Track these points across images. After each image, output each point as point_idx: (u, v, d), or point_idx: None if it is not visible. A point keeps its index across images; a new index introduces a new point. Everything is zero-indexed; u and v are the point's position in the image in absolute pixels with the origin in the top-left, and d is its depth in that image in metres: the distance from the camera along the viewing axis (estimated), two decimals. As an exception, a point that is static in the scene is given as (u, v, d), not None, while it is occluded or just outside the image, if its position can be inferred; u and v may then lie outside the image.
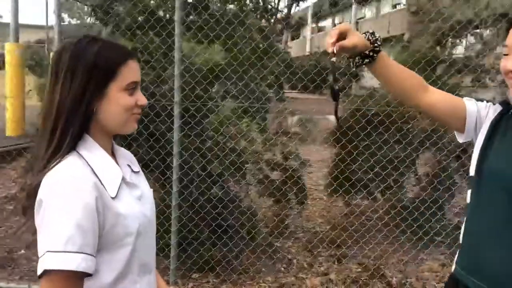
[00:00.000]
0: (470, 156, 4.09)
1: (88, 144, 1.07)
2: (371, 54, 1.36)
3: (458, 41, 4.24)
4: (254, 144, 3.28)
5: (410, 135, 4.05)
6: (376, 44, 1.35)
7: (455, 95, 4.05)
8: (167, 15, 3.73)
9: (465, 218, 1.41)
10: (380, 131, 3.95)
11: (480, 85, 4.31)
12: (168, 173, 2.90)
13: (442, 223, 3.96)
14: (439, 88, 4.30)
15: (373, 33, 1.36)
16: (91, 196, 0.99)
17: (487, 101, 1.43)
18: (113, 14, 4.02)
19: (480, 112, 1.41)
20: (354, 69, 1.43)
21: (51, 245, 0.95)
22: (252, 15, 4.05)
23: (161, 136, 2.90)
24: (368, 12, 22.64)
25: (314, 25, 26.88)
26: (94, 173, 1.04)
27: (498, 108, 1.39)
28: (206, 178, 2.85)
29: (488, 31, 4.13)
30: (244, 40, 3.46)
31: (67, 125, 1.03)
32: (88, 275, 0.97)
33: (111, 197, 1.03)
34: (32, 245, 1.15)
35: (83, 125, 1.05)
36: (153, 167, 2.94)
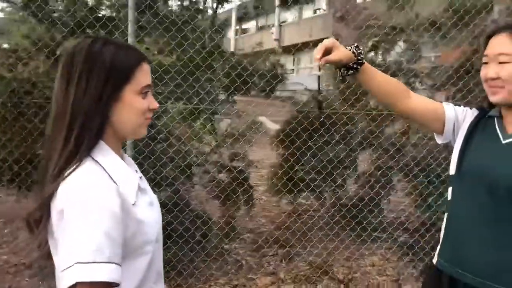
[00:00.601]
0: (404, 155, 4.33)
1: (102, 150, 1.03)
2: (354, 66, 1.46)
3: (391, 46, 4.50)
4: (207, 146, 3.27)
5: (349, 136, 4.25)
6: (359, 57, 1.45)
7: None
8: (113, 14, 3.60)
9: (446, 214, 1.53)
10: (322, 133, 4.11)
11: (410, 89, 4.63)
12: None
13: (378, 219, 4.20)
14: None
15: (357, 46, 1.46)
16: (115, 204, 0.95)
17: (464, 106, 1.57)
18: (47, 10, 3.80)
19: (458, 116, 1.53)
20: (340, 79, 1.51)
21: (81, 256, 0.90)
22: (197, 17, 4.02)
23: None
24: (291, 16, 23.25)
25: (238, 27, 27.13)
26: (112, 179, 1.00)
27: (475, 112, 1.53)
28: (161, 182, 2.79)
29: (418, 38, 4.42)
30: (190, 41, 3.44)
31: (83, 130, 0.99)
32: (117, 285, 0.93)
33: (131, 203, 1.00)
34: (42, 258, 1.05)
35: (99, 130, 1.01)
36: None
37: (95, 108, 1.00)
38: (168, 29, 3.50)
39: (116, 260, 0.94)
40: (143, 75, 1.06)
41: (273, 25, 23.27)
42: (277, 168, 4.26)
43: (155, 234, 1.05)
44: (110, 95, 1.01)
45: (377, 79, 1.51)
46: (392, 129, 4.34)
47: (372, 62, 4.27)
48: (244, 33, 27.62)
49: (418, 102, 1.55)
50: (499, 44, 1.39)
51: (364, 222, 3.97)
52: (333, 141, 4.21)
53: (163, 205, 3.27)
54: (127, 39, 2.79)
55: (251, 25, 27.85)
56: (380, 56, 4.60)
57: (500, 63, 1.37)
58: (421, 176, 4.01)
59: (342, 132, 4.21)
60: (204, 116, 3.79)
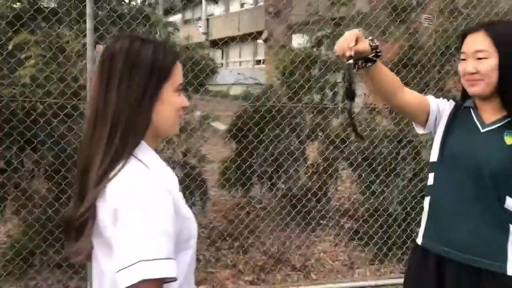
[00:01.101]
0: (348, 146, 4.53)
1: (142, 148, 1.03)
2: (374, 58, 1.52)
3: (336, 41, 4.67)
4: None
5: (298, 129, 4.39)
6: (378, 50, 1.51)
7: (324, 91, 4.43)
8: (55, 5, 3.43)
9: (428, 198, 1.67)
10: (273, 126, 4.20)
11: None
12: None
13: (326, 208, 4.39)
14: (317, 84, 4.68)
15: (372, 40, 1.52)
16: (168, 200, 0.97)
17: (443, 99, 1.72)
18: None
19: (439, 108, 1.67)
20: (356, 71, 1.57)
21: (143, 253, 0.91)
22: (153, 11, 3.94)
23: (75, 138, 2.69)
24: (218, 9, 23.17)
25: (164, 20, 26.49)
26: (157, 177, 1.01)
27: (452, 103, 1.68)
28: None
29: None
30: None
31: (127, 130, 0.99)
32: (175, 280, 0.95)
33: (176, 200, 1.02)
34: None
35: (144, 129, 1.01)
36: (64, 171, 2.71)
37: (139, 108, 1.00)
38: (116, 23, 3.41)
39: (173, 255, 0.96)
40: (179, 73, 1.08)
41: (200, 19, 23.06)
42: (229, 162, 4.30)
43: (195, 229, 1.08)
44: (152, 94, 1.02)
45: (384, 73, 1.60)
46: (337, 121, 4.53)
47: (317, 57, 4.44)
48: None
49: (410, 96, 1.67)
50: (475, 41, 1.53)
51: (313, 211, 4.14)
52: (283, 134, 4.33)
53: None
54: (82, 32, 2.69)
55: (177, 18, 27.43)
56: (323, 51, 4.77)
57: (478, 58, 1.51)
58: (364, 165, 4.24)
59: (292, 125, 4.34)
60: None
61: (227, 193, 4.36)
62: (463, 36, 1.59)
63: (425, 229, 1.68)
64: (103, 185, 0.97)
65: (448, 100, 1.72)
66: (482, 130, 1.57)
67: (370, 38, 1.54)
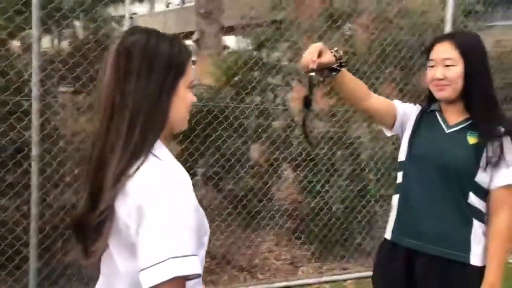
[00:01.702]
0: (288, 146, 4.64)
1: (157, 145, 1.01)
2: (338, 68, 1.60)
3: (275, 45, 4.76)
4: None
5: (240, 130, 4.42)
6: (341, 60, 1.60)
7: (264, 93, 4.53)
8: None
9: (397, 196, 1.78)
10: (215, 127, 4.20)
11: (285, 85, 4.99)
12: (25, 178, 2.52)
13: (268, 208, 4.46)
14: (256, 86, 4.76)
15: (337, 50, 1.60)
16: (191, 195, 0.97)
17: (409, 103, 1.84)
18: None
19: (406, 111, 1.80)
20: (321, 80, 1.64)
21: (174, 250, 0.91)
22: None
23: (18, 136, 2.51)
24: (142, 8, 22.59)
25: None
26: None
27: (418, 107, 1.81)
28: (73, 182, 2.59)
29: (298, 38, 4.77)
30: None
31: (146, 125, 0.97)
32: (199, 277, 0.95)
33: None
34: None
35: (162, 124, 1.00)
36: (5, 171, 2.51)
37: (157, 103, 0.99)
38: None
39: (196, 252, 0.95)
40: (191, 69, 1.07)
41: (123, 17, 22.34)
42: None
43: (208, 226, 1.08)
44: (169, 90, 1.00)
45: (351, 80, 1.69)
46: (278, 122, 4.62)
47: (260, 60, 4.50)
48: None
49: (377, 101, 1.78)
50: (443, 50, 1.66)
51: (257, 211, 4.19)
52: (226, 135, 4.34)
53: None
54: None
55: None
56: (264, 54, 4.85)
57: (446, 66, 1.65)
58: (303, 166, 4.37)
59: (234, 126, 4.36)
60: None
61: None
62: (431, 45, 1.73)
63: (394, 224, 1.78)
64: (123, 182, 0.95)
65: (414, 105, 1.85)
66: (447, 131, 1.71)
67: (335, 49, 1.62)
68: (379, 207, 4.14)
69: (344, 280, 3.79)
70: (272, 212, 4.29)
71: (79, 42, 3.06)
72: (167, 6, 21.43)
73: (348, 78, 1.68)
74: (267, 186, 4.42)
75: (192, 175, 4.21)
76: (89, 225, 0.98)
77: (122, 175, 0.95)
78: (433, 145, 1.70)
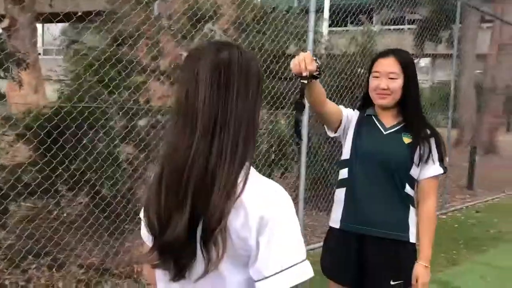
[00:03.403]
0: (155, 147, 4.60)
1: None
2: (317, 75, 1.76)
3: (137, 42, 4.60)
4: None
5: (101, 132, 4.15)
6: (321, 68, 1.76)
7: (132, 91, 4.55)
8: None
9: (343, 189, 2.01)
10: (77, 128, 3.88)
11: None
12: None
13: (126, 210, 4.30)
14: (120, 85, 4.63)
15: (316, 60, 1.75)
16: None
17: (349, 108, 2.08)
18: None
19: (348, 116, 2.04)
20: (305, 84, 1.75)
21: (301, 255, 0.99)
22: None
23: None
24: None
25: None
26: None
27: (357, 112, 2.07)
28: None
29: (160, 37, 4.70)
30: None
31: (247, 139, 1.01)
32: None
33: None
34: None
35: (255, 137, 1.04)
36: None
37: (253, 117, 1.02)
38: None
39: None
40: None
41: None
42: (30, 166, 3.77)
43: None
44: (259, 104, 1.05)
45: (319, 87, 1.87)
46: (143, 122, 4.50)
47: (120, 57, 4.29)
48: None
49: (331, 105, 1.99)
50: (388, 64, 1.95)
51: (124, 214, 4.02)
52: (89, 136, 4.04)
53: None
54: None
55: None
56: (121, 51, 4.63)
57: (390, 78, 1.94)
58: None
59: (97, 127, 4.09)
60: None
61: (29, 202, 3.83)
62: (375, 59, 2.01)
63: (342, 214, 2.02)
64: (236, 197, 0.96)
65: (353, 110, 2.12)
66: (384, 133, 2.01)
67: (315, 58, 1.77)
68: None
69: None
70: (138, 216, 4.14)
71: None
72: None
73: (318, 85, 1.86)
74: (132, 188, 4.27)
75: (55, 178, 3.82)
76: (186, 247, 0.98)
77: (232, 190, 0.96)
78: (375, 144, 1.99)
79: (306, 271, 0.98)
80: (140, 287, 3.61)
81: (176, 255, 1.00)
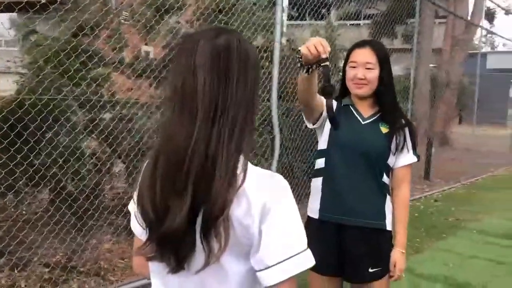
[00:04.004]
0: (122, 142, 4.54)
1: None
2: (322, 64, 1.71)
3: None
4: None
5: (67, 126, 4.03)
6: (327, 56, 1.69)
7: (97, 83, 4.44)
8: None
9: (320, 179, 2.02)
10: (40, 122, 3.73)
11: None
12: None
13: (102, 206, 4.20)
14: (78, 77, 4.50)
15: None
16: None
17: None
18: None
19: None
20: (306, 73, 1.73)
21: (303, 243, 0.98)
22: None
23: None
24: None
25: None
26: None
27: (335, 102, 2.07)
28: None
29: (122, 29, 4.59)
30: None
31: (244, 127, 0.99)
32: None
33: None
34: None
35: (253, 125, 1.03)
36: None
37: (252, 105, 1.00)
38: None
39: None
40: None
41: None
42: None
43: None
44: (257, 91, 1.03)
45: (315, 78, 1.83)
46: (110, 115, 4.39)
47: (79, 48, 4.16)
48: None
49: (318, 98, 1.96)
50: (365, 54, 1.97)
51: (90, 210, 3.92)
52: (52, 130, 3.91)
53: None
54: None
55: None
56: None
57: (367, 68, 1.96)
58: (135, 161, 4.28)
59: (61, 121, 3.95)
60: None
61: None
62: (351, 49, 2.02)
63: (320, 204, 2.03)
64: (238, 185, 0.94)
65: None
66: (363, 122, 2.04)
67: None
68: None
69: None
70: (105, 211, 4.06)
71: None
72: None
73: (315, 76, 1.83)
74: (99, 183, 4.16)
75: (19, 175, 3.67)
76: (186, 236, 0.95)
77: (233, 178, 0.94)
78: (354, 134, 2.00)
79: (308, 260, 0.98)
80: (108, 285, 3.54)
81: (175, 246, 0.97)
